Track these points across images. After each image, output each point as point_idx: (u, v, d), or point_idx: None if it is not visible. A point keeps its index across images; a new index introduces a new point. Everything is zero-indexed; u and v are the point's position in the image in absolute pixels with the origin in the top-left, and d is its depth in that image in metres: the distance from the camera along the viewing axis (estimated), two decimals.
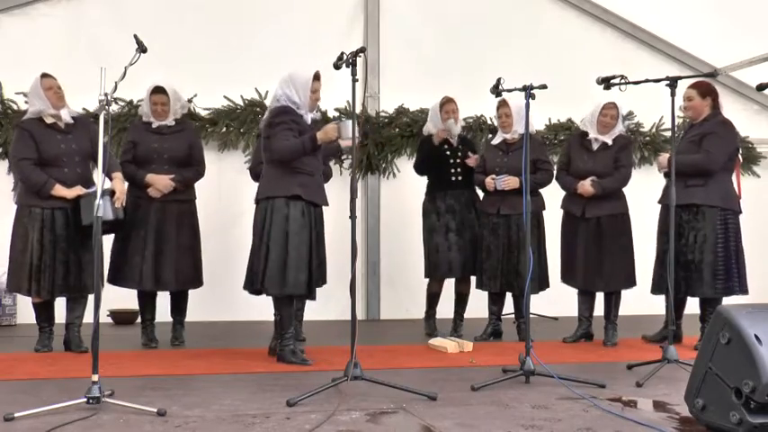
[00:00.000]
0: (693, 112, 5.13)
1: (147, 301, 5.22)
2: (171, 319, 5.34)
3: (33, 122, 4.70)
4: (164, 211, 5.02)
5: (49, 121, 4.70)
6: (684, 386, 2.95)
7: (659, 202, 5.28)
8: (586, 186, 5.15)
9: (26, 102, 4.90)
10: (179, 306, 5.28)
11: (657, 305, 5.53)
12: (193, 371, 4.11)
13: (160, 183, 4.98)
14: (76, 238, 4.68)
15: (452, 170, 5.53)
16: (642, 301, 5.52)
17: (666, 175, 5.20)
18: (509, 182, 5.23)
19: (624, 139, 5.26)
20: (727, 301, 4.87)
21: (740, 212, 5.15)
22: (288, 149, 4.23)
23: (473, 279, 5.58)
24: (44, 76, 4.73)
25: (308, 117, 4.43)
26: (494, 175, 5.29)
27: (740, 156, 5.61)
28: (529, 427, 2.91)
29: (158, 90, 5.03)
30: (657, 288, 5.19)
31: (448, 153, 5.54)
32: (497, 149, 5.43)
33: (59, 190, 4.62)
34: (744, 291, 5.10)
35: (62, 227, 4.66)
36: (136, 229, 4.96)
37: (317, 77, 4.39)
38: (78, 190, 4.67)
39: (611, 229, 5.16)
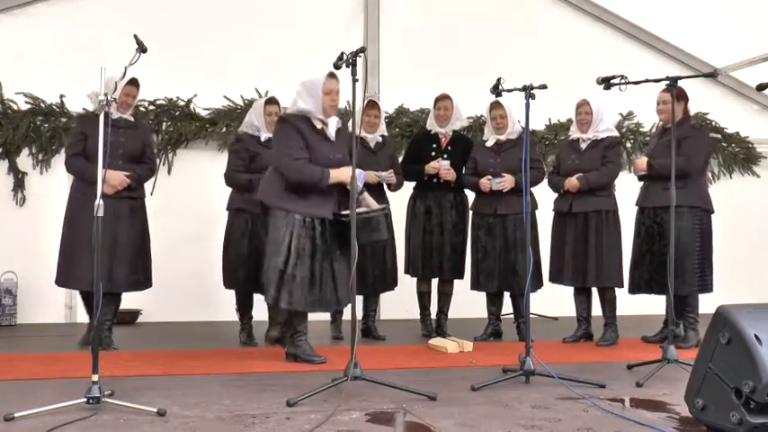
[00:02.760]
0: (667, 115, 5.17)
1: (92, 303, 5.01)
2: (161, 319, 5.31)
3: (301, 119, 4.32)
4: (114, 208, 4.73)
5: (318, 126, 4.37)
6: (684, 386, 2.95)
7: (636, 204, 5.35)
8: (573, 181, 5.21)
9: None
10: (113, 307, 4.96)
11: (657, 305, 5.53)
12: (193, 371, 4.11)
13: (115, 179, 4.74)
14: (336, 251, 4.32)
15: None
16: (642, 302, 5.51)
17: (642, 178, 5.31)
18: (506, 183, 5.24)
19: (613, 138, 5.29)
20: (727, 300, 4.87)
21: (713, 212, 5.26)
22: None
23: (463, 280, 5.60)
24: (331, 75, 4.28)
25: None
26: (489, 177, 5.30)
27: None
28: (529, 427, 2.91)
29: (133, 82, 4.83)
30: (636, 288, 5.28)
31: (434, 154, 5.53)
32: (490, 150, 5.44)
33: (336, 174, 4.24)
34: (711, 289, 5.21)
35: (320, 236, 4.27)
36: (82, 227, 4.67)
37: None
38: (347, 171, 4.07)
39: (598, 225, 5.17)
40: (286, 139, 4.28)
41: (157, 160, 5.22)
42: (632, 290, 5.32)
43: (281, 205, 4.25)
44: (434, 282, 5.71)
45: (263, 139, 5.16)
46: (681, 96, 5.14)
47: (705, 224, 5.16)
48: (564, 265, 5.28)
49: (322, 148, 4.32)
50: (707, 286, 5.16)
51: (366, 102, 5.34)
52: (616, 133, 5.38)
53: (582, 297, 5.35)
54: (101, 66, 3.21)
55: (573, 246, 5.24)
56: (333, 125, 4.41)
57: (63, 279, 4.90)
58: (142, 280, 5.00)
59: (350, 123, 5.26)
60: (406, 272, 5.66)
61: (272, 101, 5.27)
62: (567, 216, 5.28)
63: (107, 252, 4.70)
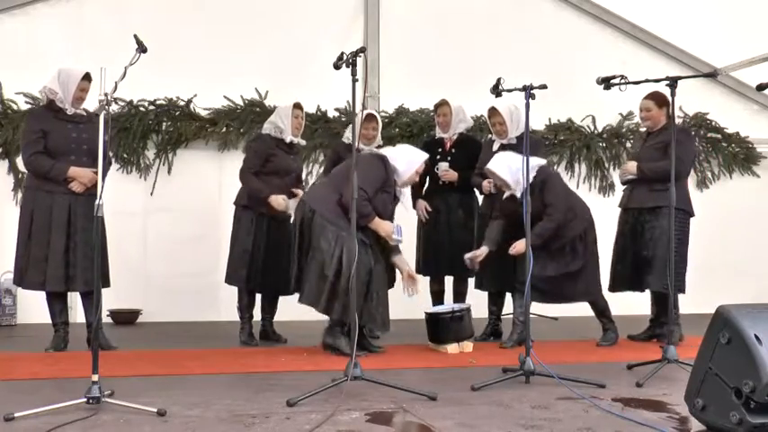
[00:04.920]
0: (652, 122, 5.29)
1: (60, 304, 4.85)
2: (161, 319, 5.30)
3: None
4: (77, 206, 4.68)
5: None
6: (684, 386, 2.95)
7: (620, 206, 5.43)
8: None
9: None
10: (91, 306, 4.61)
11: (645, 305, 5.53)
12: (193, 371, 4.11)
13: (86, 176, 4.65)
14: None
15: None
16: (632, 301, 5.52)
17: (626, 182, 5.36)
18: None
19: (539, 180, 4.96)
20: (726, 300, 4.88)
21: (693, 215, 5.32)
22: None
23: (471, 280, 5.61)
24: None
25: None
26: (489, 179, 5.29)
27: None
28: (529, 427, 2.91)
29: (87, 77, 4.74)
30: (617, 286, 5.36)
31: (438, 158, 5.57)
32: (494, 153, 5.40)
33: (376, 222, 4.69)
34: (684, 289, 5.28)
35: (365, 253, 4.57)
36: (42, 226, 4.65)
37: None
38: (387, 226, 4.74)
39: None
40: (371, 172, 4.62)
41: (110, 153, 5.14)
42: (612, 288, 5.39)
43: (339, 224, 4.50)
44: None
45: (287, 140, 5.23)
46: (664, 102, 5.18)
47: (685, 226, 5.22)
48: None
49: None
50: (680, 287, 5.19)
51: (365, 115, 5.36)
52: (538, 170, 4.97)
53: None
54: (101, 66, 3.20)
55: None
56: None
57: (23, 279, 4.74)
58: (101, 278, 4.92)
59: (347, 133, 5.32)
60: (418, 272, 5.69)
61: (298, 105, 5.32)
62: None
63: (62, 251, 4.63)
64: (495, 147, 5.41)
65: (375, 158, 4.78)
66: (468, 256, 5.13)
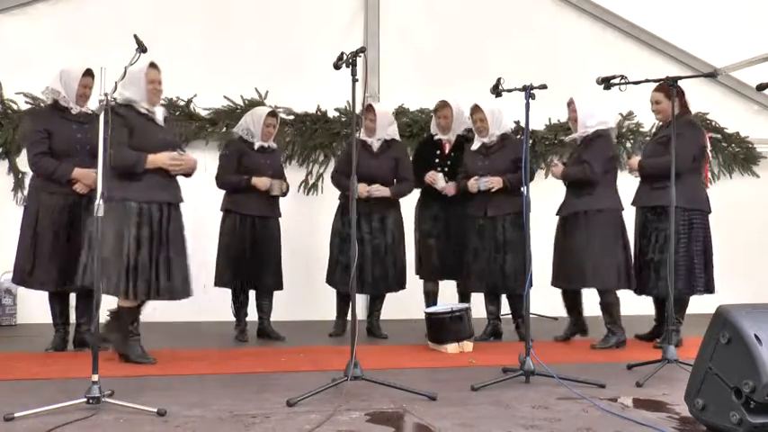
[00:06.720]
0: (663, 115, 5.17)
1: (61, 304, 4.85)
2: (161, 319, 5.38)
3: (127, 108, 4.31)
4: (80, 207, 4.65)
5: (143, 111, 4.37)
6: (684, 386, 2.95)
7: (633, 203, 5.35)
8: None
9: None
10: (86, 307, 4.75)
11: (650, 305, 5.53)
12: (193, 371, 4.11)
13: (89, 178, 4.54)
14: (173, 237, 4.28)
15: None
16: (640, 301, 5.51)
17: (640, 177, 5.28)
18: (492, 181, 5.21)
19: (594, 133, 5.15)
20: (727, 300, 4.87)
21: (708, 212, 5.18)
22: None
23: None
24: (152, 65, 4.39)
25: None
26: (476, 177, 5.29)
27: (709, 153, 5.58)
28: (529, 427, 2.91)
29: (89, 73, 4.73)
30: (638, 289, 5.27)
31: (437, 161, 5.58)
32: (477, 153, 5.40)
33: (153, 158, 4.21)
34: (709, 290, 5.13)
35: (157, 223, 4.23)
36: (45, 227, 4.62)
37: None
38: (164, 156, 4.28)
39: (572, 227, 5.14)
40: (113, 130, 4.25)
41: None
42: (636, 291, 5.30)
43: (117, 195, 4.08)
44: (442, 284, 5.76)
45: (256, 146, 5.39)
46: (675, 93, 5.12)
47: (696, 224, 5.07)
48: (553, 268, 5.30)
49: (152, 131, 4.34)
50: (692, 289, 5.07)
51: (366, 105, 5.39)
52: (605, 126, 5.18)
53: (566, 295, 5.38)
54: (101, 66, 3.20)
55: (554, 249, 5.30)
56: (160, 112, 4.42)
57: (25, 279, 4.70)
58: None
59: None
60: (417, 273, 5.72)
61: (273, 114, 5.46)
62: (560, 219, 5.32)
63: (65, 251, 4.60)
64: (475, 146, 5.41)
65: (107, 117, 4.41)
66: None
